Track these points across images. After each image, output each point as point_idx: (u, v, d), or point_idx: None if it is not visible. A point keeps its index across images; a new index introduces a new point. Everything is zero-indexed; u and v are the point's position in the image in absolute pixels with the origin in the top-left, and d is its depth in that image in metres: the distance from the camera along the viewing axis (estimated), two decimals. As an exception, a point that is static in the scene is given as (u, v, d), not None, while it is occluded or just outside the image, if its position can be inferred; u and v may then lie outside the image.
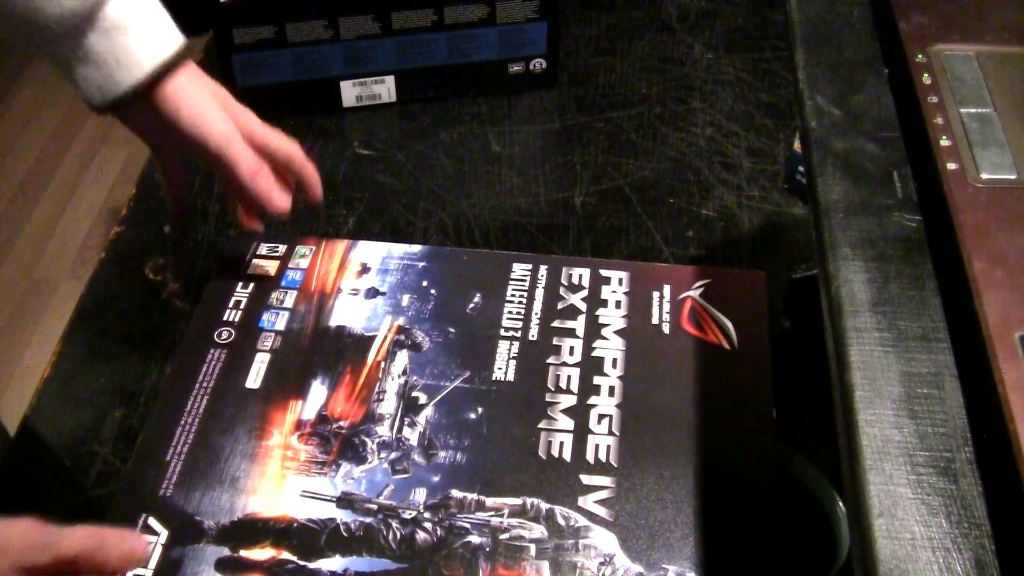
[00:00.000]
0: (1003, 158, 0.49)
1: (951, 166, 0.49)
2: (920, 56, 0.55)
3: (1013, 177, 0.49)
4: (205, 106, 0.66)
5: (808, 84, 0.55)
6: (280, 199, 0.69)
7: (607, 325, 0.70)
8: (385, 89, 0.99)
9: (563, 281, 0.73)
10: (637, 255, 0.84)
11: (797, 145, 0.87)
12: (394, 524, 0.60)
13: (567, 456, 0.63)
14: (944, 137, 0.50)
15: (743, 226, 0.87)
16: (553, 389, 0.66)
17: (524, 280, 0.73)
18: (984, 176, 0.48)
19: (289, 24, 0.93)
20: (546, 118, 0.99)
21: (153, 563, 0.58)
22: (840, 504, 0.64)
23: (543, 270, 0.74)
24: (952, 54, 0.55)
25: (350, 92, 0.98)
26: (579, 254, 0.84)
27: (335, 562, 0.58)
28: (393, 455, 0.63)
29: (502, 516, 0.60)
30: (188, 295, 0.81)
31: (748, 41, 1.07)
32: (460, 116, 0.99)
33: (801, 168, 0.87)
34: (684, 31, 1.09)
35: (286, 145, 0.71)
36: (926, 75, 0.54)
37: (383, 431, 0.64)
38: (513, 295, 0.72)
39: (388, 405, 0.66)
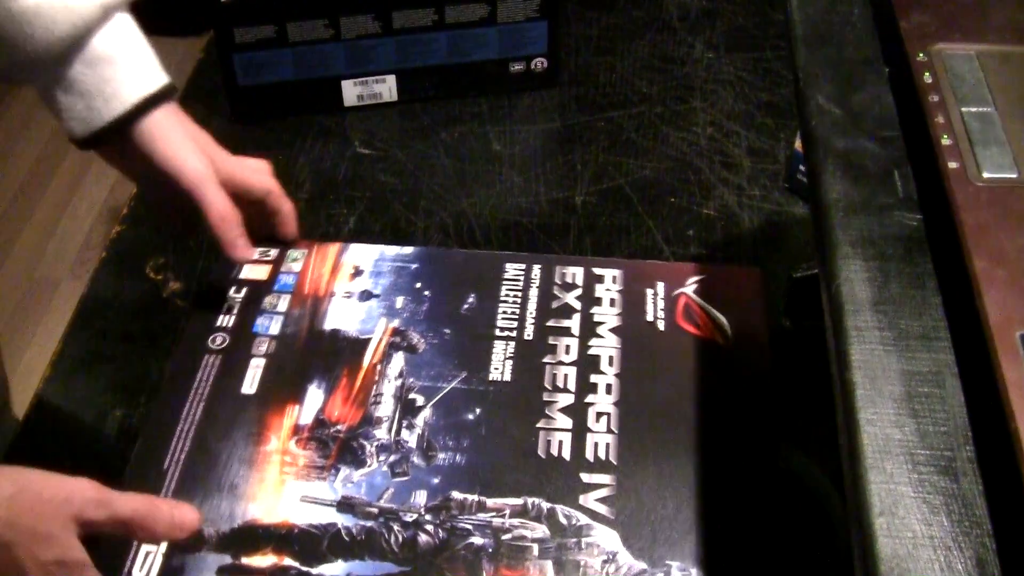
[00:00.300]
0: (1004, 157, 0.49)
1: (952, 165, 0.49)
2: (921, 55, 0.55)
3: (1014, 176, 0.49)
4: (180, 145, 0.66)
5: (808, 83, 0.55)
6: (242, 250, 0.69)
7: (602, 323, 0.70)
8: (386, 88, 0.99)
9: (556, 280, 0.73)
10: (637, 254, 0.84)
11: (798, 144, 0.87)
12: (395, 527, 0.60)
13: (566, 455, 0.63)
14: (945, 136, 0.50)
15: (744, 225, 0.87)
16: (550, 388, 0.66)
17: (518, 280, 0.73)
18: (985, 175, 0.48)
19: (290, 23, 0.93)
20: (547, 117, 0.99)
21: (155, 572, 0.58)
22: (839, 499, 0.64)
23: (536, 269, 0.74)
24: (953, 53, 0.55)
25: (351, 91, 0.98)
26: (580, 253, 0.84)
27: (338, 567, 0.58)
28: (392, 458, 0.63)
29: (504, 517, 0.60)
30: (188, 295, 0.81)
31: (749, 40, 1.07)
32: (460, 116, 0.99)
33: (802, 167, 0.87)
34: (684, 30, 1.09)
35: (264, 183, 0.72)
36: (927, 74, 0.54)
37: (381, 434, 0.64)
38: (507, 295, 0.72)
39: (385, 408, 0.66)
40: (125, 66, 0.64)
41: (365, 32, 0.94)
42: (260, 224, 0.74)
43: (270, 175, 0.73)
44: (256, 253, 0.75)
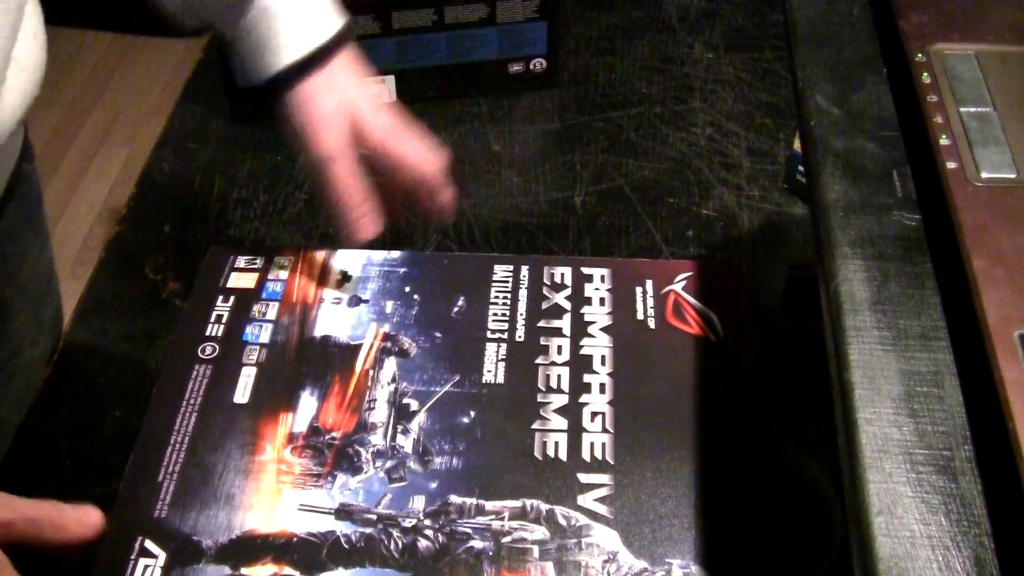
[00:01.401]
0: (1003, 157, 0.49)
1: (951, 165, 0.49)
2: (920, 55, 0.55)
3: (1013, 176, 0.49)
4: (323, 115, 0.65)
5: (808, 83, 0.55)
6: (353, 237, 0.68)
7: (593, 323, 0.70)
8: (385, 89, 0.99)
9: (545, 281, 0.73)
10: (637, 255, 0.84)
11: (797, 145, 0.87)
12: (395, 533, 0.59)
13: (563, 456, 0.63)
14: (944, 136, 0.50)
15: (743, 226, 0.87)
16: (544, 389, 0.66)
17: (507, 281, 0.73)
18: (984, 175, 0.49)
19: (289, 24, 0.92)
20: (546, 118, 0.99)
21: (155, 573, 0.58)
22: (836, 495, 0.64)
23: (524, 270, 0.74)
24: (952, 53, 0.55)
25: (350, 92, 0.98)
26: (579, 254, 0.84)
27: (338, 575, 0.58)
28: (388, 463, 0.63)
29: (503, 519, 0.60)
30: (188, 295, 0.81)
31: (748, 41, 1.07)
32: (460, 116, 0.99)
33: (801, 168, 0.87)
34: (684, 31, 1.09)
35: (423, 166, 0.69)
36: (926, 74, 0.54)
37: (376, 440, 0.64)
38: (497, 297, 0.72)
39: (380, 413, 0.66)
40: (291, 24, 0.64)
41: (364, 32, 0.94)
42: (404, 194, 0.71)
43: (431, 166, 0.69)
44: (243, 261, 0.75)
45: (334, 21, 0.66)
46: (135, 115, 2.32)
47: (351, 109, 0.66)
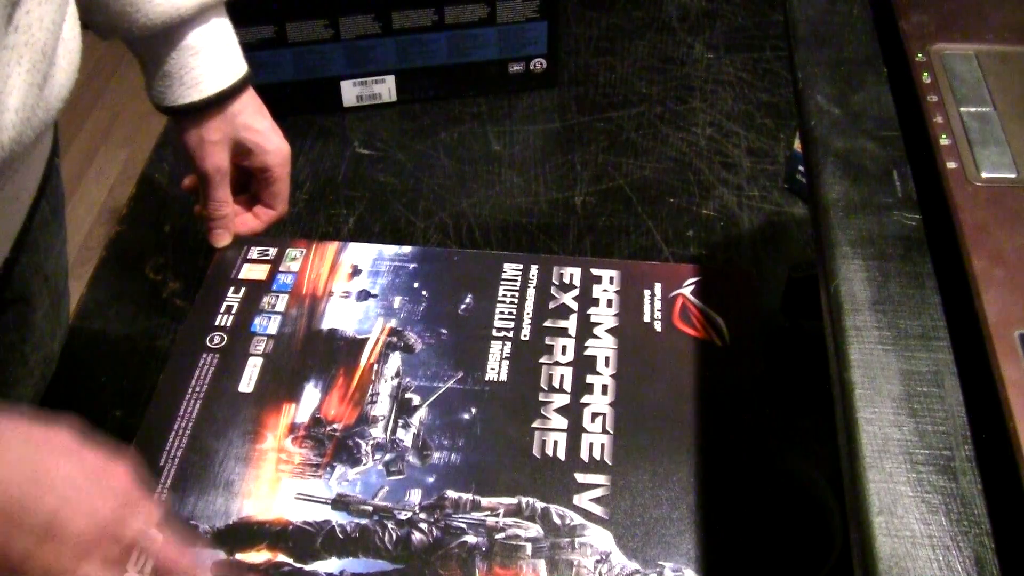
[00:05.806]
0: (1003, 157, 0.49)
1: (951, 165, 0.49)
2: (920, 55, 0.55)
3: (1013, 176, 0.49)
4: (213, 146, 0.73)
5: (808, 83, 0.55)
6: (211, 241, 0.76)
7: (599, 324, 0.70)
8: (385, 89, 0.99)
9: (554, 280, 0.73)
10: (637, 255, 0.84)
11: (797, 145, 0.87)
12: (390, 525, 0.60)
13: (561, 455, 0.63)
14: (944, 136, 0.50)
15: (743, 226, 0.87)
16: (546, 388, 0.66)
17: (515, 280, 0.73)
18: (984, 175, 0.49)
19: (290, 24, 0.93)
20: (546, 118, 0.99)
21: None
22: (835, 499, 0.64)
23: (534, 270, 0.74)
24: (952, 53, 0.55)
25: (350, 92, 0.98)
26: (579, 254, 0.84)
27: (331, 564, 0.58)
28: (387, 456, 0.63)
29: (497, 516, 0.60)
30: (188, 295, 0.81)
31: (748, 41, 1.07)
32: (460, 116, 0.99)
33: (801, 168, 0.87)
34: (684, 31, 1.09)
35: (274, 210, 0.77)
36: (926, 74, 0.54)
37: (377, 433, 0.64)
38: (504, 295, 0.72)
39: (381, 407, 0.66)
40: (206, 63, 0.71)
41: (365, 32, 0.94)
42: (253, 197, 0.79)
43: (281, 166, 0.77)
44: (256, 252, 0.76)
45: (240, 67, 0.73)
46: (135, 115, 2.32)
47: (234, 141, 0.74)
